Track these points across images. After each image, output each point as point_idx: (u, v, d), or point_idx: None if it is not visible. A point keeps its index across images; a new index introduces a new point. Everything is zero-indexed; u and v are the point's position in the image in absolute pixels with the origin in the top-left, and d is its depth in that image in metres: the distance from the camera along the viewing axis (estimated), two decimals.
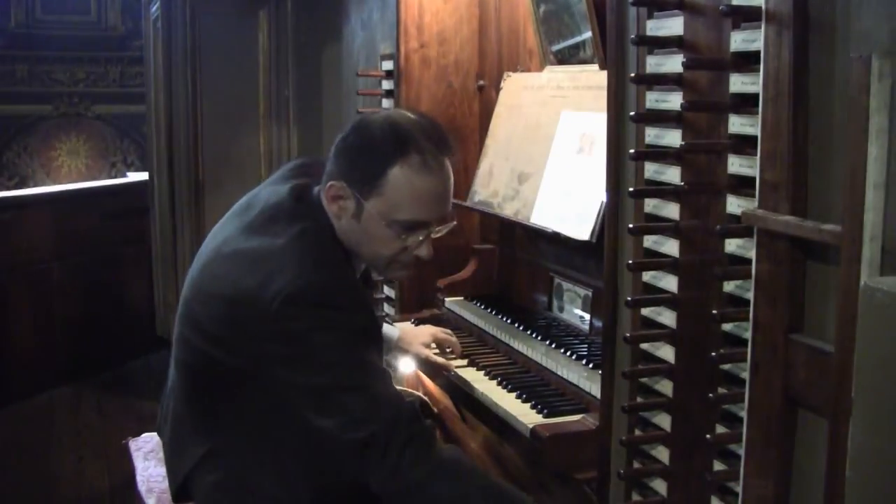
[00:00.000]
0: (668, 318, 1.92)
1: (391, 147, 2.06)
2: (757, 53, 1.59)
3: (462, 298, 3.37)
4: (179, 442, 2.28)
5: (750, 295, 1.62)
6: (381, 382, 2.04)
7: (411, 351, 2.83)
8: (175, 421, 2.30)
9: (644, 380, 1.99)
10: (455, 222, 2.27)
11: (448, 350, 2.89)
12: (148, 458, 2.71)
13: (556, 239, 2.77)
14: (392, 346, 2.82)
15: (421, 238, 2.14)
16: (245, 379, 2.09)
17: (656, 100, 1.94)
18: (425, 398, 3.01)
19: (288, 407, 2.06)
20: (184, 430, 2.27)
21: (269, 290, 1.98)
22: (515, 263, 3.32)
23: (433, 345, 2.89)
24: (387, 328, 2.87)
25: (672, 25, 1.87)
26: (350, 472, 2.05)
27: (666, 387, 1.94)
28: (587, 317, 2.82)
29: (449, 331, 2.98)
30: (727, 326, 1.73)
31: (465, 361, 2.83)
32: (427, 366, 2.89)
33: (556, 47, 3.01)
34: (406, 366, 2.84)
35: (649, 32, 1.93)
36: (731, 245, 1.72)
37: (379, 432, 1.95)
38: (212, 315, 2.10)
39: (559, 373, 2.56)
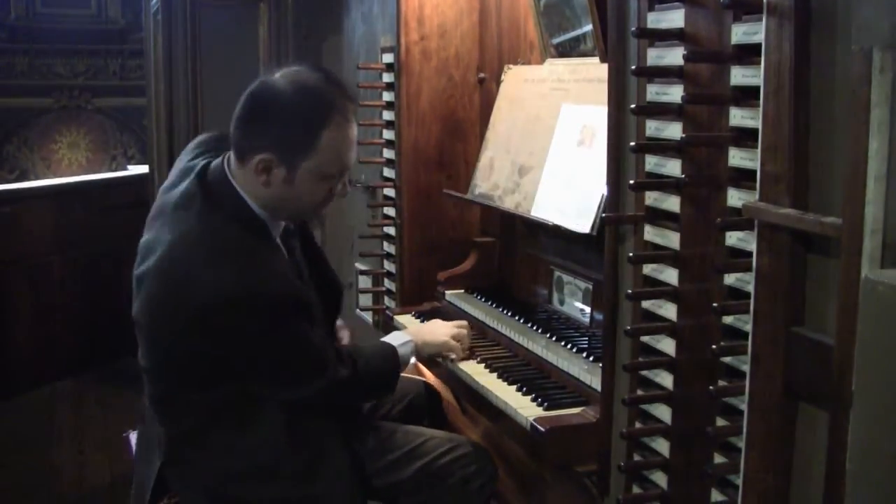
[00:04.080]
0: (668, 310, 1.92)
1: (320, 114, 2.19)
2: (758, 46, 1.59)
3: (462, 291, 3.37)
4: (149, 439, 2.41)
5: (751, 288, 1.62)
6: (311, 341, 2.27)
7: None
8: (146, 421, 2.43)
9: (644, 372, 1.99)
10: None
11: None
12: None
13: (556, 232, 2.77)
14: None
15: (344, 180, 2.31)
16: (191, 364, 2.20)
17: (657, 92, 1.94)
18: (430, 383, 3.02)
19: (233, 387, 2.23)
20: (151, 428, 2.39)
21: (189, 294, 2.11)
22: (516, 256, 3.32)
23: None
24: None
25: (673, 18, 1.87)
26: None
27: (666, 379, 1.94)
28: (588, 310, 2.82)
29: (462, 324, 2.90)
30: (728, 319, 1.73)
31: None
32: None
33: (556, 40, 3.01)
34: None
35: (650, 25, 1.93)
36: (732, 238, 1.72)
37: (325, 379, 2.29)
38: (147, 308, 2.21)
39: (559, 365, 2.56)
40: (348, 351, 2.43)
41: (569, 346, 2.64)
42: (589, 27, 2.78)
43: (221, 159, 2.30)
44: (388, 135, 3.65)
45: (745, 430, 1.64)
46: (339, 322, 2.75)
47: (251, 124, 2.21)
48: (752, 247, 1.61)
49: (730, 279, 1.73)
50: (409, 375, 2.96)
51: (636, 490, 2.03)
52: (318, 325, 2.34)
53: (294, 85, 2.20)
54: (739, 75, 1.69)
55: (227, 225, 2.21)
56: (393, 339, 2.64)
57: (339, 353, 2.37)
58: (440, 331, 2.80)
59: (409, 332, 2.79)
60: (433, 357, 2.79)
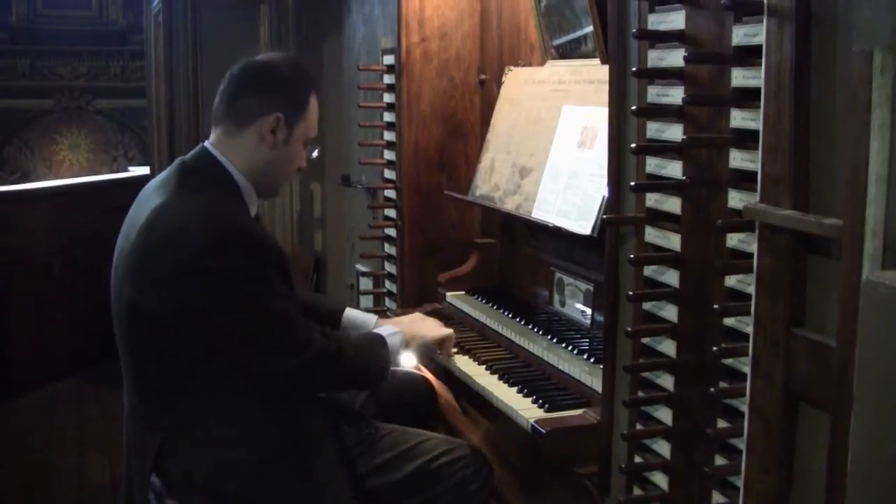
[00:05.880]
0: (669, 312, 1.92)
1: (308, 80, 2.50)
2: (759, 47, 1.59)
3: (463, 292, 3.37)
4: (139, 432, 2.38)
5: (751, 289, 1.62)
6: (295, 307, 2.34)
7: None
8: (132, 415, 2.41)
9: (645, 374, 1.99)
10: None
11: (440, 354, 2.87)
12: None
13: (557, 233, 2.77)
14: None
15: (311, 151, 2.56)
16: (179, 340, 2.24)
17: (658, 94, 1.94)
18: (432, 382, 3.02)
19: (224, 364, 2.26)
20: (140, 421, 2.38)
21: (175, 244, 2.20)
22: (516, 258, 3.32)
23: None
24: (361, 314, 2.92)
25: (674, 19, 1.87)
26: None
27: (667, 381, 1.94)
28: (588, 311, 2.82)
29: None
30: (728, 321, 1.73)
31: (465, 355, 2.83)
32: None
33: (557, 41, 3.01)
34: (406, 360, 2.83)
35: (651, 26, 1.93)
36: (733, 239, 1.71)
37: (313, 349, 2.31)
38: (135, 276, 2.28)
39: (560, 367, 2.56)
40: (333, 332, 2.45)
41: (569, 347, 2.64)
42: (589, 29, 2.78)
43: (199, 145, 2.44)
44: (388, 136, 3.66)
45: (745, 431, 1.64)
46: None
47: (257, 91, 2.40)
48: (753, 248, 1.61)
49: (730, 281, 1.73)
50: (409, 369, 2.96)
51: (637, 491, 2.03)
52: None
53: (282, 59, 2.54)
54: (740, 77, 1.69)
55: (209, 191, 2.33)
56: (382, 329, 2.65)
57: (324, 331, 2.40)
58: (430, 324, 2.83)
59: (400, 323, 2.80)
60: (421, 350, 2.77)
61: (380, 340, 2.56)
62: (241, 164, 2.38)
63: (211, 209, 2.26)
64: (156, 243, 2.23)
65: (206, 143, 2.42)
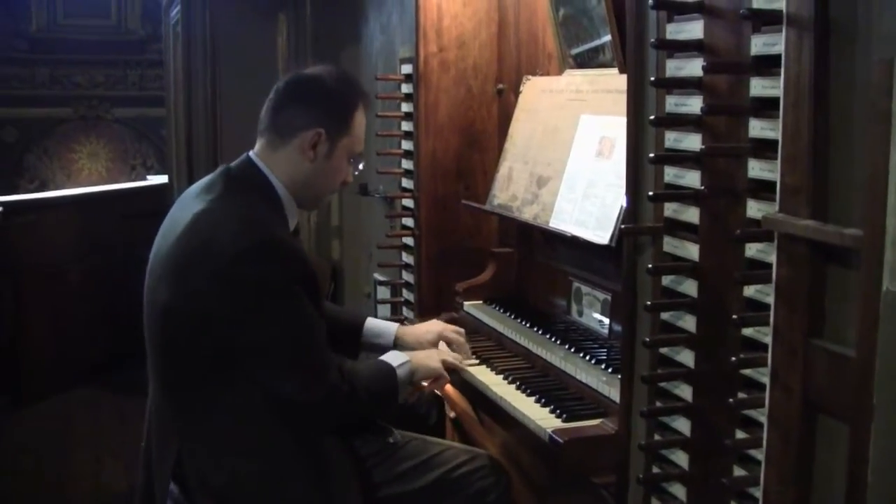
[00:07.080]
0: (687, 322, 1.92)
1: (354, 95, 2.51)
2: (777, 57, 1.58)
3: (480, 302, 3.37)
4: (160, 437, 2.40)
5: (770, 299, 1.61)
6: (319, 332, 2.34)
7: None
8: (154, 421, 2.43)
9: (663, 384, 1.99)
10: None
11: (454, 349, 2.85)
12: None
13: (575, 243, 2.76)
14: (387, 342, 2.84)
15: (356, 166, 2.58)
16: (204, 346, 2.25)
17: (676, 103, 1.93)
18: (440, 395, 3.01)
19: (245, 376, 2.27)
20: (162, 426, 2.40)
21: (213, 249, 2.22)
22: (534, 267, 3.32)
23: (441, 344, 2.85)
24: (382, 323, 2.92)
25: (692, 29, 1.87)
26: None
27: (685, 391, 1.93)
28: (606, 321, 2.81)
29: (457, 328, 2.95)
30: (747, 331, 1.72)
31: (482, 364, 2.83)
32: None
33: (575, 51, 3.01)
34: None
35: (669, 36, 1.93)
36: (752, 249, 1.71)
37: (327, 386, 2.31)
38: (171, 279, 2.29)
39: (578, 377, 2.55)
40: (349, 369, 2.43)
41: (587, 357, 2.63)
42: (607, 38, 2.78)
43: (245, 154, 2.46)
44: (406, 145, 3.66)
45: (764, 442, 1.64)
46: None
47: (300, 104, 2.42)
48: (772, 258, 1.60)
49: (749, 291, 1.72)
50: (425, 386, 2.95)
51: (655, 502, 2.02)
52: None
53: (329, 73, 2.53)
54: (759, 86, 1.68)
55: (250, 201, 2.35)
56: (391, 358, 2.59)
57: (341, 368, 2.38)
58: (435, 356, 2.74)
59: (407, 353, 2.76)
60: (423, 381, 2.70)
61: (390, 373, 2.53)
62: (283, 176, 2.41)
63: (249, 218, 2.28)
64: (193, 250, 2.26)
65: (251, 153, 2.44)
